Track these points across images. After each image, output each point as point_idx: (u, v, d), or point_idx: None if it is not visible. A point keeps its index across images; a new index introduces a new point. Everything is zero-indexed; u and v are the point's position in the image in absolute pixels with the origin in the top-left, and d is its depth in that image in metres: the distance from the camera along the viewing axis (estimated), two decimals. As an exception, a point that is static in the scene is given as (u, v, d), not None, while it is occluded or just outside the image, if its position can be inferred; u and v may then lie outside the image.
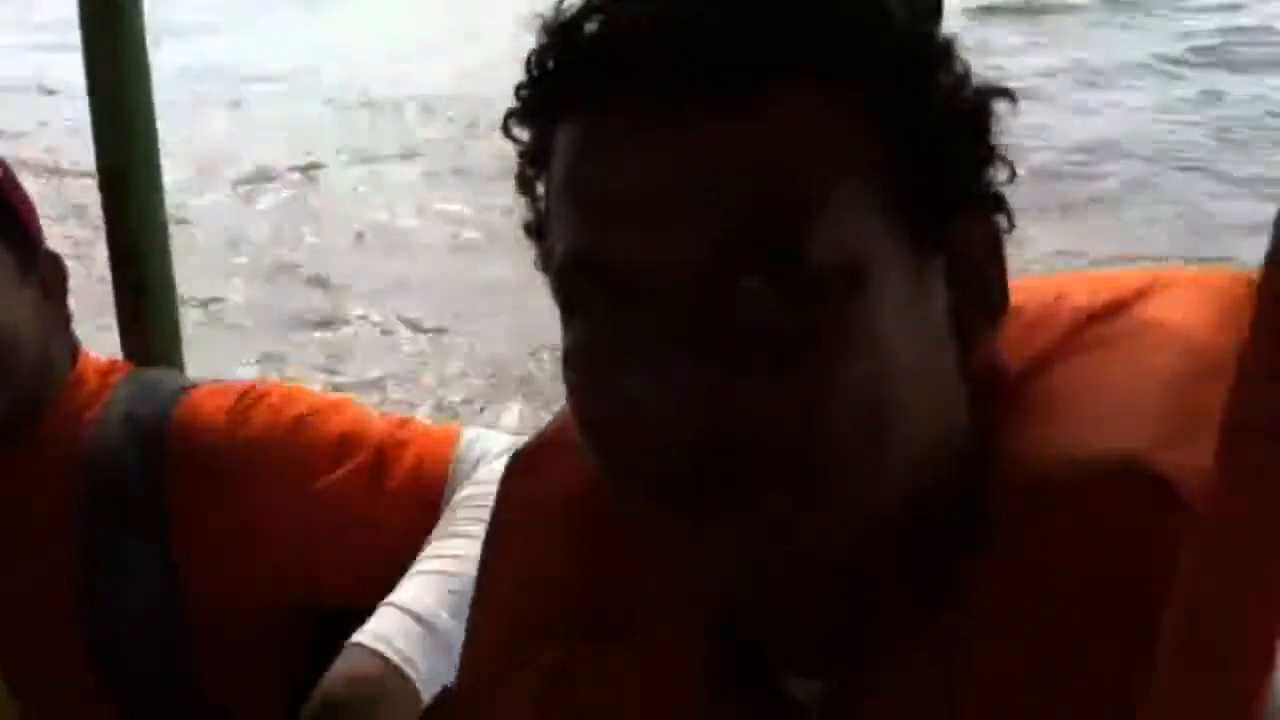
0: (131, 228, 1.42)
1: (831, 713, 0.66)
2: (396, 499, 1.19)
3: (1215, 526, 0.45)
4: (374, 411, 1.26)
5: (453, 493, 1.19)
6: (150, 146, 1.43)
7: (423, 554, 1.15)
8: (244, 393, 1.24)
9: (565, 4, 0.64)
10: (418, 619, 1.10)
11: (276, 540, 1.20)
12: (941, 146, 0.63)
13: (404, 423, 1.24)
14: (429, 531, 1.17)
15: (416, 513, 1.18)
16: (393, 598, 1.12)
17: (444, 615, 1.09)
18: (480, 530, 1.13)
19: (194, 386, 1.28)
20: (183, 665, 1.21)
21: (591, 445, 0.64)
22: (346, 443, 1.20)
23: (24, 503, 1.24)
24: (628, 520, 0.68)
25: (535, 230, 0.69)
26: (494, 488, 1.07)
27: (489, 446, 1.21)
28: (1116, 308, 0.71)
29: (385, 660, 1.07)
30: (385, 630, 1.09)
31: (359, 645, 1.09)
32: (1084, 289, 0.74)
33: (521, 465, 0.82)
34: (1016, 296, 0.68)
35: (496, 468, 1.17)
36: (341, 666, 1.08)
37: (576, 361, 0.64)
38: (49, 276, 1.27)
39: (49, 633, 1.22)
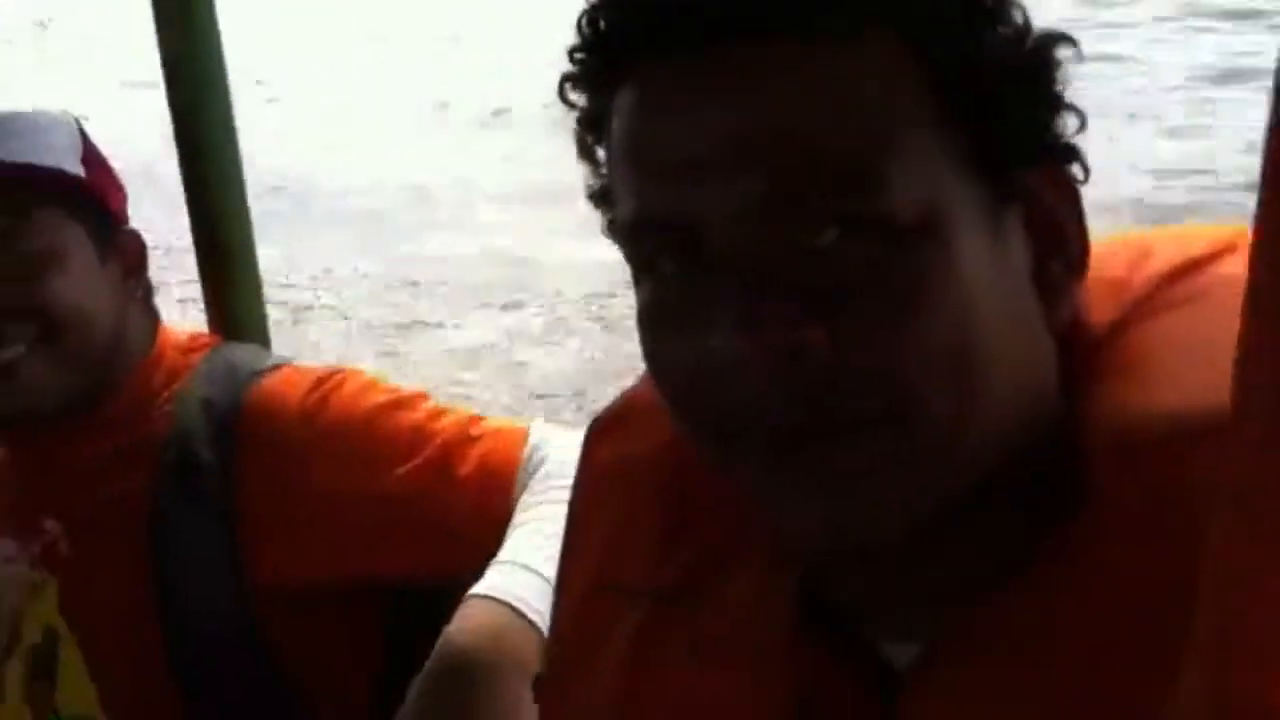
0: (212, 194, 1.43)
1: (925, 678, 0.65)
2: (464, 488, 1.19)
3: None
4: (451, 407, 1.26)
5: (523, 488, 1.18)
6: (226, 112, 1.43)
7: (514, 526, 1.15)
8: (320, 380, 1.25)
9: None
10: (531, 570, 1.09)
11: (341, 530, 1.21)
12: (1002, 97, 0.61)
13: (475, 420, 1.24)
14: (497, 519, 1.17)
15: (484, 502, 1.18)
16: (500, 556, 1.12)
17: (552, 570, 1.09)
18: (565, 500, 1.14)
19: (273, 368, 1.28)
20: (252, 646, 1.23)
21: (674, 406, 0.64)
22: (418, 437, 1.21)
23: (100, 480, 1.27)
24: (711, 479, 0.67)
25: (600, 197, 0.68)
26: (571, 468, 1.07)
27: (560, 442, 1.21)
28: (1199, 264, 0.69)
29: (508, 606, 1.07)
30: (502, 582, 1.09)
31: (479, 597, 1.08)
32: (1171, 246, 0.71)
33: (602, 429, 0.82)
34: (1103, 255, 0.66)
35: (569, 456, 1.19)
36: (463, 618, 1.07)
37: (651, 323, 0.63)
38: (129, 254, 1.30)
39: (124, 611, 1.24)
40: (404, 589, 1.28)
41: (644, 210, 0.62)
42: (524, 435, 1.23)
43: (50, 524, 1.28)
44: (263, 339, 1.45)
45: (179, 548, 1.22)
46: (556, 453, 1.19)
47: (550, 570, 1.07)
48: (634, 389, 0.81)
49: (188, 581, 1.22)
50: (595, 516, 0.80)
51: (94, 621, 1.25)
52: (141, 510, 1.24)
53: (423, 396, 1.27)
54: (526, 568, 1.09)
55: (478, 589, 1.08)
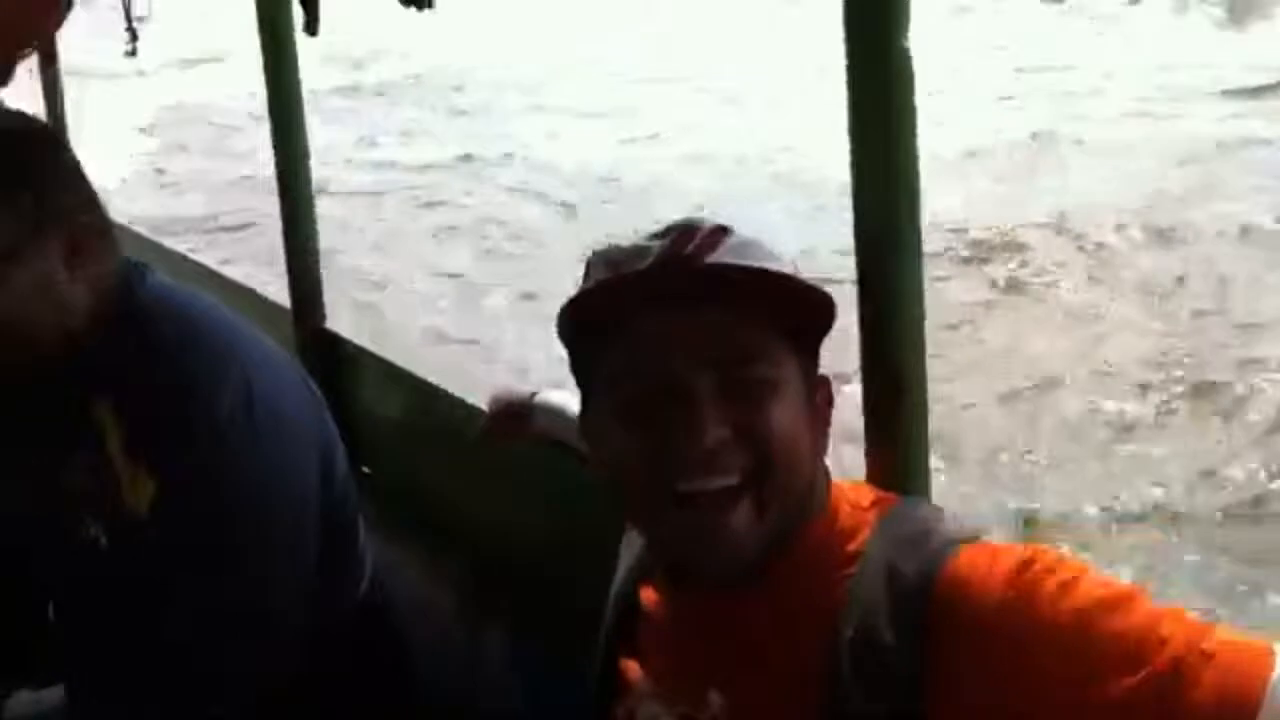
0: (888, 321, 1.29)
1: None
2: (1196, 713, 0.97)
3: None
4: (1171, 609, 1.04)
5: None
6: (913, 221, 1.28)
7: None
8: (1025, 563, 1.07)
9: None
10: None
11: None
12: None
13: (1206, 629, 1.01)
14: None
15: None
16: None
17: None
18: None
19: (966, 539, 1.12)
20: None
21: None
22: (1143, 645, 1.00)
23: (769, 651, 1.15)
24: None
25: None
26: None
27: None
28: None
29: None
30: None
31: None
32: None
33: None
34: None
35: None
36: None
37: None
38: (824, 403, 1.21)
39: None
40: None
41: None
42: (1267, 654, 0.99)
43: (714, 697, 1.17)
44: (925, 491, 1.30)
45: None
46: None
47: None
48: None
49: None
50: None
51: None
52: (813, 689, 1.10)
53: (1141, 593, 1.05)
54: None
55: None
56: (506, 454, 2.00)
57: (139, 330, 1.53)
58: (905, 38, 1.25)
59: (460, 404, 2.18)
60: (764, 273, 1.15)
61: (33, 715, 1.80)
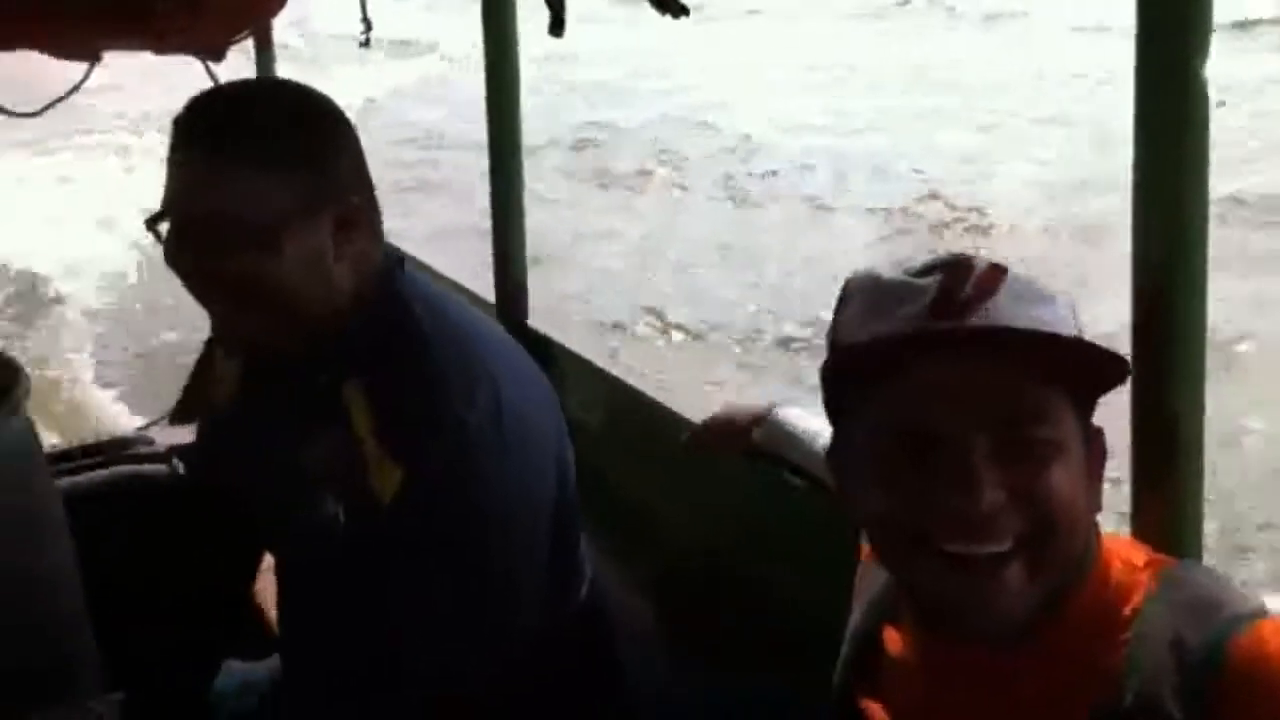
0: (1166, 372, 1.22)
1: None
2: None
3: None
4: None
5: None
6: (1202, 268, 1.20)
7: None
8: None
9: None
10: None
11: None
12: None
13: None
14: None
15: None
16: None
17: None
18: None
19: (1255, 613, 1.06)
20: None
21: None
22: None
23: (1040, 701, 1.10)
24: None
25: None
26: None
27: None
28: None
29: None
30: None
31: None
32: None
33: None
34: None
35: None
36: None
37: None
38: (1095, 453, 1.14)
39: None
40: None
41: None
42: None
43: None
44: (1198, 553, 1.24)
45: None
46: None
47: None
48: None
49: None
50: None
51: None
52: None
53: None
54: None
55: None
56: (713, 465, 1.99)
57: (397, 318, 1.55)
58: (1203, 64, 1.19)
59: (664, 410, 2.17)
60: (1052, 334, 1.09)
61: (241, 685, 1.85)
